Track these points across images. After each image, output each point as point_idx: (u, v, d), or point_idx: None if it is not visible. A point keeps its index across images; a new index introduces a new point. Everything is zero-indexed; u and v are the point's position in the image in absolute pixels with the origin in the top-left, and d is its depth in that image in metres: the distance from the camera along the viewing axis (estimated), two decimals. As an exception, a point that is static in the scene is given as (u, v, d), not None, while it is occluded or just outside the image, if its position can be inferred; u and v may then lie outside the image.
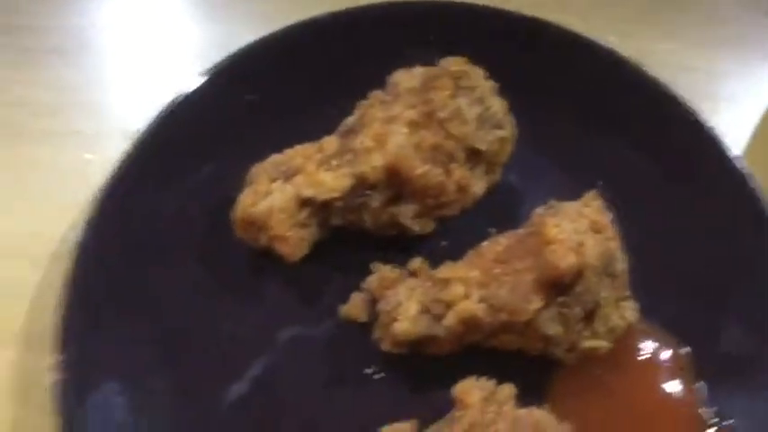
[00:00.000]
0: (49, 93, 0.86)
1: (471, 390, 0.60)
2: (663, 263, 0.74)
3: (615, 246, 0.63)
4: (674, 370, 0.71)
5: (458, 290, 0.63)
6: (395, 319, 0.65)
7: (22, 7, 0.92)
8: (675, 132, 0.79)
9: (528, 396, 0.64)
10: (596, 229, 0.61)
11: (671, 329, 0.72)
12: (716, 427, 0.68)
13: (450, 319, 0.62)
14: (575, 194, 0.75)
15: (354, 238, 0.73)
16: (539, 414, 0.61)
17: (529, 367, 0.67)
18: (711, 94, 0.92)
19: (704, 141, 0.77)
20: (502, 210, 0.77)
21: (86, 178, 0.76)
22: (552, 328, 0.62)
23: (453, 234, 0.74)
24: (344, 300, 0.71)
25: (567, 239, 0.59)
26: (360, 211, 0.68)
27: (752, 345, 0.70)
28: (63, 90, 0.87)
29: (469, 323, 0.63)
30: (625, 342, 0.70)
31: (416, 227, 0.69)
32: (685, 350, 0.71)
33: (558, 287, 0.61)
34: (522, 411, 0.60)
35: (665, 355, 0.71)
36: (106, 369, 0.65)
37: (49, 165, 0.80)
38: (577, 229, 0.61)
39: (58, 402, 0.61)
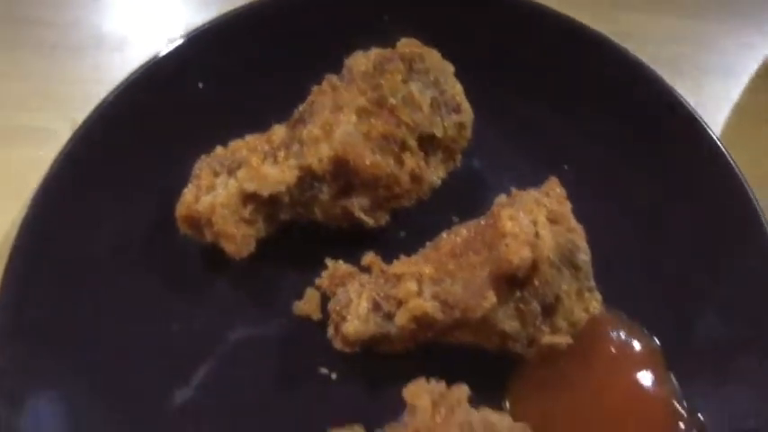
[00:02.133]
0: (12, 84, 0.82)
1: (421, 393, 0.57)
2: (633, 250, 0.72)
3: (576, 236, 0.60)
4: (643, 362, 0.68)
5: (410, 286, 0.60)
6: (345, 318, 0.62)
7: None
8: (649, 113, 0.75)
9: (487, 394, 0.61)
10: (554, 219, 0.58)
11: (641, 321, 0.69)
12: (685, 420, 0.65)
13: (402, 318, 0.59)
14: (541, 179, 0.72)
15: (308, 232, 0.70)
16: (492, 416, 0.58)
17: (488, 364, 0.65)
18: (695, 68, 0.88)
19: (681, 122, 0.73)
20: (464, 197, 0.74)
21: (36, 175, 0.73)
22: (509, 324, 0.59)
23: (412, 224, 0.71)
24: (298, 296, 0.68)
25: (521, 233, 0.55)
26: (309, 204, 0.64)
27: (725, 335, 0.67)
28: (27, 81, 0.82)
29: (422, 321, 0.60)
30: (590, 334, 0.67)
31: (370, 220, 0.66)
32: (655, 342, 0.68)
33: (513, 282, 0.58)
34: (475, 414, 0.57)
35: (634, 347, 0.68)
36: (43, 373, 0.62)
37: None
38: (534, 220, 0.57)
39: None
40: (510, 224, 0.56)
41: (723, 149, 0.71)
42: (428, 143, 0.65)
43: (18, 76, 0.82)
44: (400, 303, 0.60)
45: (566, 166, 0.74)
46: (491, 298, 0.57)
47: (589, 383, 0.67)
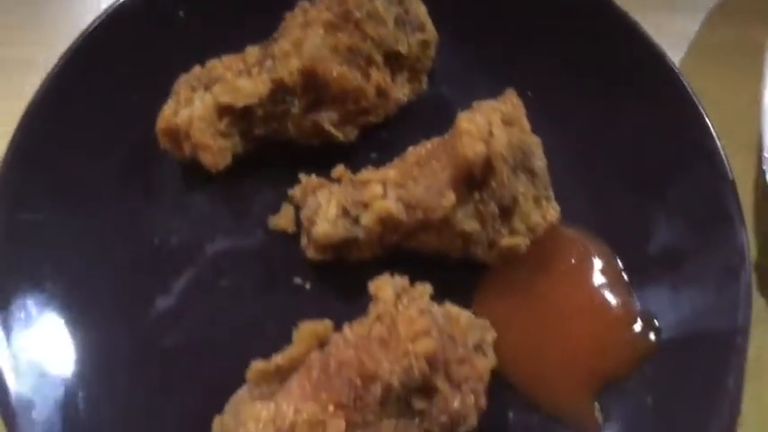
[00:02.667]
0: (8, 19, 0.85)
1: (385, 285, 0.60)
2: (591, 170, 0.75)
3: (530, 140, 0.63)
4: (601, 272, 0.71)
5: (375, 189, 0.63)
6: (315, 223, 0.65)
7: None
8: (606, 37, 0.78)
9: (453, 302, 0.64)
10: (508, 121, 0.62)
11: (599, 234, 0.73)
12: (641, 324, 0.69)
13: (368, 219, 0.63)
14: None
15: (283, 152, 0.73)
16: (453, 309, 0.62)
17: (455, 275, 0.68)
18: (654, 4, 0.90)
19: (635, 44, 0.77)
20: (433, 122, 0.76)
21: (23, 104, 0.76)
22: (469, 225, 0.63)
23: (385, 146, 0.74)
24: (274, 211, 0.72)
25: (475, 130, 0.59)
26: (282, 118, 0.68)
27: (678, 243, 0.71)
28: (14, 16, 0.85)
29: (386, 222, 0.63)
30: (551, 246, 0.71)
31: (340, 134, 0.69)
32: (612, 252, 0.72)
33: (471, 181, 0.61)
34: (436, 306, 0.61)
35: (592, 257, 0.72)
36: (31, 277, 0.66)
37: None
38: (489, 121, 0.61)
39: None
40: (466, 124, 0.60)
41: (677, 72, 0.75)
42: (394, 61, 0.69)
43: (5, 11, 0.85)
44: (366, 206, 0.64)
45: (529, 93, 0.77)
46: (450, 197, 0.61)
47: (550, 291, 0.70)
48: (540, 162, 0.65)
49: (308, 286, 0.70)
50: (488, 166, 0.60)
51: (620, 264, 0.72)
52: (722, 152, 0.70)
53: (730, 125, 0.74)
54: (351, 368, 0.56)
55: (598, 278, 0.71)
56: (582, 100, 0.77)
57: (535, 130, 0.68)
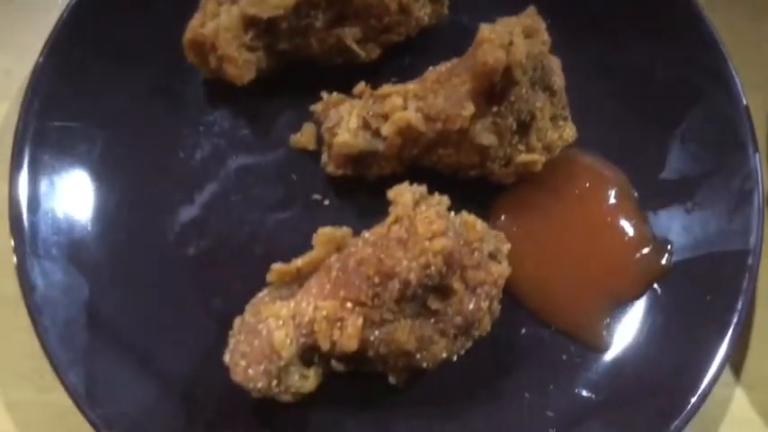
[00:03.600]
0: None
1: (404, 192, 0.62)
2: (609, 93, 0.76)
3: (549, 56, 0.64)
4: (615, 196, 0.72)
5: (395, 101, 0.64)
6: (336, 135, 0.66)
7: None
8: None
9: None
10: (528, 33, 0.62)
11: (614, 159, 0.74)
12: (652, 247, 0.70)
13: (388, 129, 0.64)
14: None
15: (307, 73, 0.74)
16: (469, 216, 0.63)
17: (471, 193, 0.70)
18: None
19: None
20: (456, 48, 0.77)
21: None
22: (486, 138, 0.64)
23: (406, 70, 0.75)
24: (296, 130, 0.74)
25: (496, 39, 0.60)
26: (306, 33, 0.69)
27: (693, 166, 0.72)
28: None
29: (406, 133, 0.65)
30: (567, 169, 0.72)
31: (362, 52, 0.70)
32: (626, 177, 0.73)
33: (490, 94, 0.62)
34: (453, 213, 0.62)
35: (607, 182, 0.73)
36: (59, 184, 0.69)
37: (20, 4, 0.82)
38: (511, 32, 0.61)
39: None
40: (487, 33, 0.61)
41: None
42: (416, -21, 0.70)
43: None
44: (387, 118, 0.65)
45: (549, 19, 0.78)
46: (469, 108, 0.62)
47: (564, 213, 0.72)
48: (558, 80, 0.66)
49: (326, 202, 0.72)
50: (508, 76, 0.61)
51: (634, 188, 0.73)
52: (736, 78, 0.71)
53: (747, 59, 0.75)
54: (369, 266, 0.58)
55: (612, 202, 0.72)
56: (599, 27, 0.77)
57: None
